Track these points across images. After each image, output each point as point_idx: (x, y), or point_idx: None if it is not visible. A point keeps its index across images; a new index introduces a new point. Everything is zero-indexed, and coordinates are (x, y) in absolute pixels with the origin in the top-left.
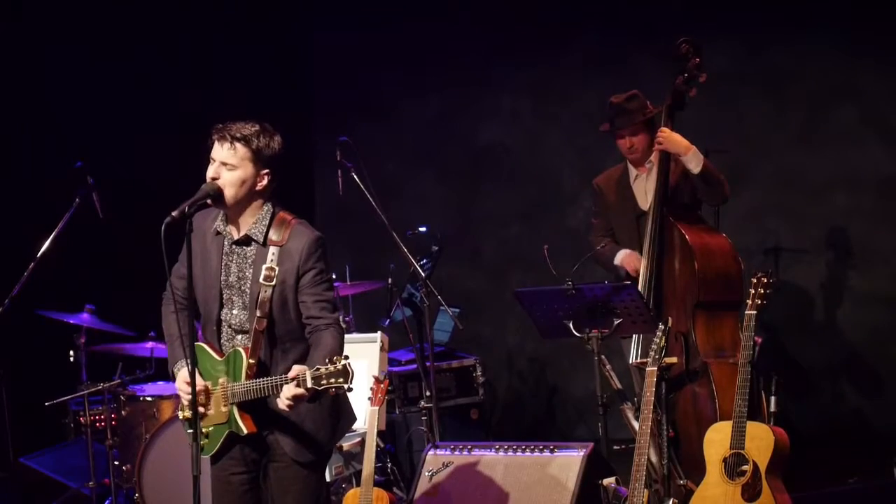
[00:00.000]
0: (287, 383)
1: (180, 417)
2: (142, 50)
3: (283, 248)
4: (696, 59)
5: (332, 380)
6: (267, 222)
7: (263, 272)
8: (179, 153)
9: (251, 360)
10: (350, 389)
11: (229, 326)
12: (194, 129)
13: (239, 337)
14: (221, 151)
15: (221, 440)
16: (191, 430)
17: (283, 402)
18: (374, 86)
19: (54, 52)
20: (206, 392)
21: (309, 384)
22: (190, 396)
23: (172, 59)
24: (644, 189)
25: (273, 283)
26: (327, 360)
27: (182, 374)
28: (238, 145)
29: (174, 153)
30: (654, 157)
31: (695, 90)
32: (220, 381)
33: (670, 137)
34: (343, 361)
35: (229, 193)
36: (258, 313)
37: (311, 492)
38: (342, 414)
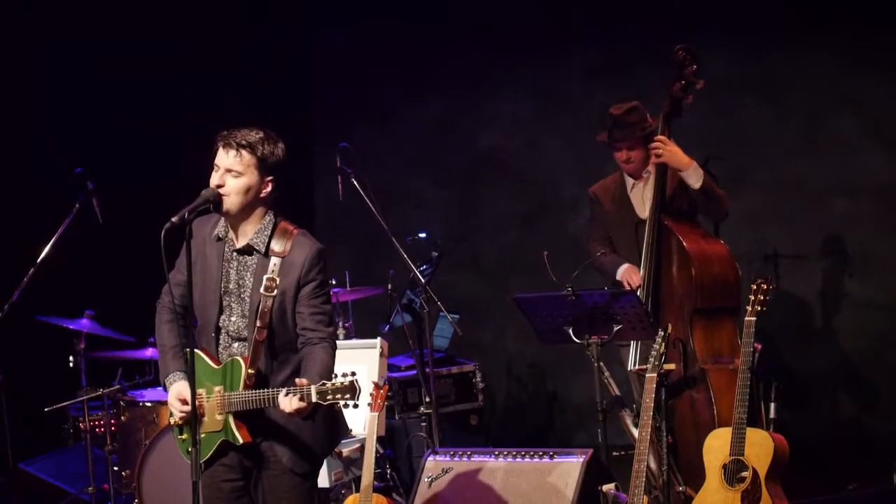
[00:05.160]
0: (293, 395)
1: (171, 423)
2: (141, 53)
3: (285, 259)
4: (693, 66)
5: (339, 395)
6: (269, 232)
7: (265, 282)
8: (179, 158)
9: (250, 371)
10: (356, 406)
11: (227, 333)
12: (194, 134)
13: (236, 345)
14: (227, 158)
15: (215, 447)
16: (181, 436)
17: (286, 410)
18: (374, 91)
19: (54, 54)
20: (201, 401)
21: (314, 398)
22: (182, 414)
23: (172, 63)
24: (642, 197)
25: (274, 293)
26: (335, 376)
27: (175, 387)
28: (244, 152)
29: (174, 157)
30: (651, 167)
31: (692, 97)
32: (216, 389)
33: (672, 152)
34: (351, 378)
35: (234, 201)
36: (258, 323)
37: (303, 500)
38: (337, 424)
